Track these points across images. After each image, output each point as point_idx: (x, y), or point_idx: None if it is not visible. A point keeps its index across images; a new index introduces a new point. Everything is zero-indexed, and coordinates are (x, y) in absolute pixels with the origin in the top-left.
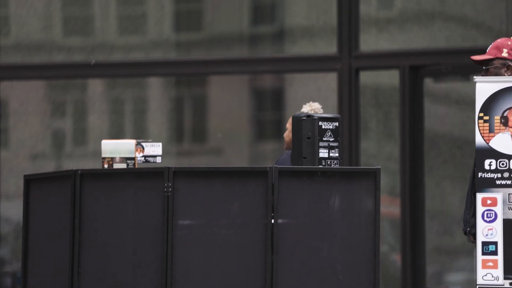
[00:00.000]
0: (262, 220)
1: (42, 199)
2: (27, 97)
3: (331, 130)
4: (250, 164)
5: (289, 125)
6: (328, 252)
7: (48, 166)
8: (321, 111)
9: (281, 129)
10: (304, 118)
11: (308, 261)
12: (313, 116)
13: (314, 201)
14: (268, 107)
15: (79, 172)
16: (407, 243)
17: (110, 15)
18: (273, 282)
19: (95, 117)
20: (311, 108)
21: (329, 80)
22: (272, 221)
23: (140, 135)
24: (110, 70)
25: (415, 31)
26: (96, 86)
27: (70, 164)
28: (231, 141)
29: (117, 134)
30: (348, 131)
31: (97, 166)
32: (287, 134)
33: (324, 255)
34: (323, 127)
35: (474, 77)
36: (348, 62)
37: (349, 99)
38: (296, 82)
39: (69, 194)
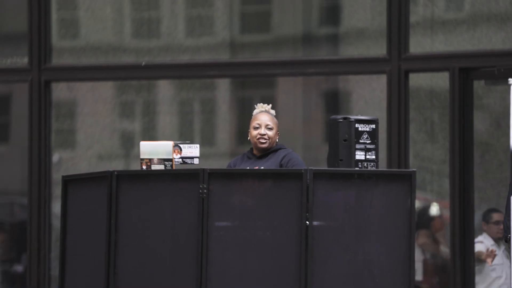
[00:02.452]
0: (297, 222)
1: (80, 200)
2: (95, 98)
3: (368, 132)
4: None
5: (272, 124)
6: (364, 255)
7: (116, 167)
8: (273, 111)
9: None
10: (341, 120)
11: (344, 263)
12: (350, 118)
13: (350, 203)
14: (330, 109)
15: (116, 173)
16: (456, 246)
17: (178, 17)
18: (307, 284)
19: (163, 118)
20: (263, 107)
21: (383, 82)
22: (307, 223)
23: (208, 136)
24: (178, 72)
25: (466, 32)
26: (164, 87)
27: (138, 165)
28: (298, 142)
29: (185, 135)
30: (397, 133)
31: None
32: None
33: (360, 257)
34: (359, 129)
35: (509, 79)
36: (397, 64)
37: (398, 101)
38: (350, 84)
39: (105, 195)
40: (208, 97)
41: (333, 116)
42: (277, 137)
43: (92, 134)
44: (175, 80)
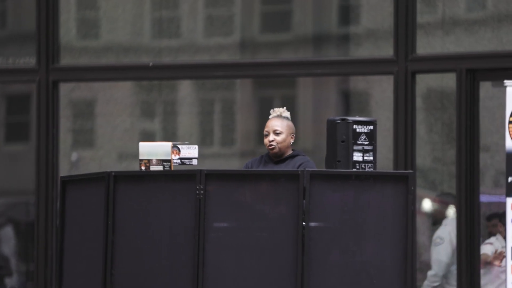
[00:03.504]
0: (294, 223)
1: (78, 201)
2: (115, 98)
3: (365, 133)
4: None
5: (281, 129)
6: (361, 256)
7: (135, 167)
8: (287, 113)
9: None
10: (339, 121)
11: (341, 264)
12: (347, 120)
13: (348, 204)
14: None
15: (113, 174)
16: (463, 247)
17: (198, 17)
18: (303, 285)
19: (183, 118)
20: (276, 112)
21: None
22: (304, 224)
23: (227, 136)
24: (198, 72)
25: (475, 33)
26: (184, 87)
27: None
28: (319, 142)
29: (204, 135)
30: (404, 134)
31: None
32: (280, 139)
33: (357, 259)
34: (357, 130)
35: (505, 81)
36: (404, 65)
37: (405, 102)
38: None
39: (103, 196)
40: (228, 97)
41: (331, 117)
42: (292, 140)
43: (111, 133)
44: (195, 80)
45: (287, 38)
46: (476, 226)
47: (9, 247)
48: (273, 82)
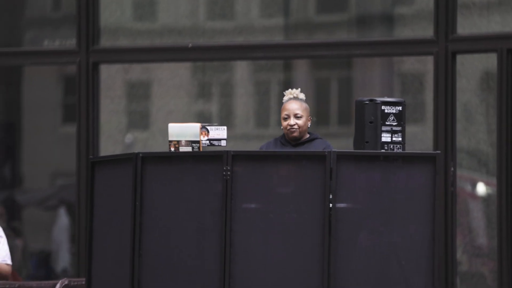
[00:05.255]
0: (321, 205)
1: (107, 182)
2: (172, 79)
3: (394, 114)
4: None
5: (301, 112)
6: (389, 237)
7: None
8: (302, 94)
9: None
10: (367, 102)
11: (369, 246)
12: (376, 100)
13: (375, 185)
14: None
15: (140, 155)
16: (503, 231)
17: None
18: (330, 266)
19: (240, 99)
20: (292, 94)
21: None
22: (330, 205)
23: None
24: (253, 53)
25: None
26: (241, 69)
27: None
28: None
29: (261, 116)
30: (444, 115)
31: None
32: (301, 123)
33: (385, 240)
34: (385, 111)
35: None
36: (444, 46)
37: (445, 82)
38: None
39: (131, 177)
40: (284, 78)
41: (359, 98)
42: (309, 122)
43: (168, 115)
44: (251, 61)
45: (343, 18)
46: None
47: (62, 229)
48: (329, 63)
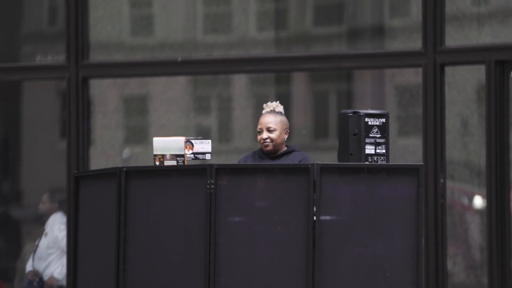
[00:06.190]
0: (305, 217)
1: (91, 196)
2: (170, 93)
3: (378, 126)
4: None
5: (275, 125)
6: (374, 249)
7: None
8: (280, 107)
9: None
10: (351, 114)
11: (354, 258)
12: (359, 113)
13: (359, 197)
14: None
15: (124, 169)
16: (494, 241)
17: (250, 11)
18: (315, 279)
19: (238, 112)
20: (269, 107)
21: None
22: (314, 218)
23: None
24: (251, 66)
25: (503, 25)
26: (239, 82)
27: (215, 161)
28: None
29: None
30: (433, 126)
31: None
32: (274, 136)
33: (370, 252)
34: (369, 123)
35: None
36: (432, 57)
37: (434, 94)
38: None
39: (115, 191)
40: (282, 91)
41: (343, 111)
42: (286, 136)
43: (165, 129)
44: (249, 75)
45: (341, 30)
46: (506, 220)
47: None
48: (328, 75)
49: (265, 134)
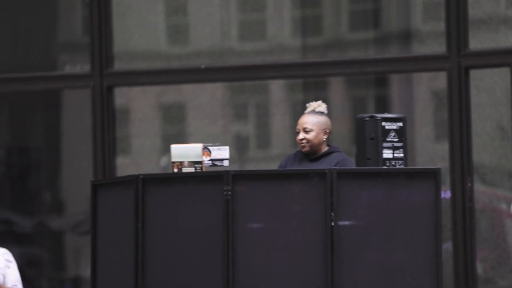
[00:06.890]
0: (324, 223)
1: (109, 204)
2: (207, 101)
3: (395, 130)
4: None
5: (311, 126)
6: (394, 254)
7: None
8: (323, 106)
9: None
10: (367, 118)
11: (373, 263)
12: (376, 117)
13: (378, 202)
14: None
15: (141, 176)
16: None
17: (285, 18)
18: (334, 284)
19: (276, 119)
20: (310, 106)
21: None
22: (332, 223)
23: None
24: (287, 72)
25: None
26: (277, 88)
27: (252, 168)
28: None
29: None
30: (459, 130)
31: None
32: (310, 137)
33: (390, 257)
34: (386, 127)
35: None
36: (456, 61)
37: (459, 98)
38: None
39: (132, 199)
40: (320, 96)
41: (360, 115)
42: (324, 136)
43: (204, 136)
44: (286, 81)
45: (376, 35)
46: None
47: None
48: (365, 80)
49: (301, 135)
